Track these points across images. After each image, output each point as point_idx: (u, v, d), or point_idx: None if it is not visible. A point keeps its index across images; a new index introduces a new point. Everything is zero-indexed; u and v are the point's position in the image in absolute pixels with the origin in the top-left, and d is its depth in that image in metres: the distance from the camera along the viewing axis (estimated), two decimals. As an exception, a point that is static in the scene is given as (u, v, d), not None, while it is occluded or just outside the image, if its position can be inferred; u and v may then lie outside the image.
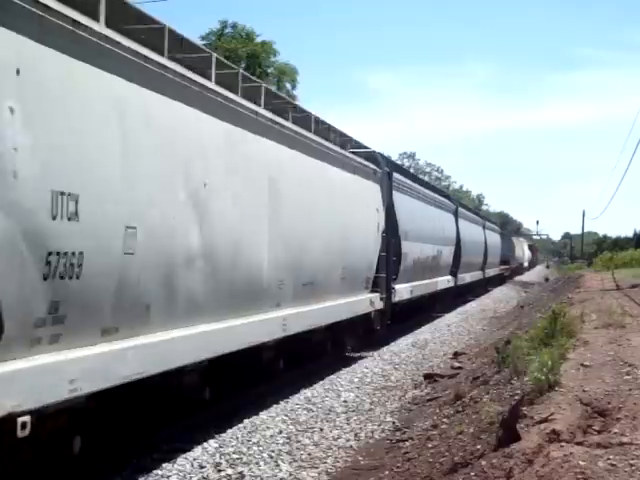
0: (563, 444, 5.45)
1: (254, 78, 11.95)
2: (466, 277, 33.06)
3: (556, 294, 27.17)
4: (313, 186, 12.24)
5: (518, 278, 62.80)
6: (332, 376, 13.44)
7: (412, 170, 79.74)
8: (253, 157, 9.85)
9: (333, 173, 13.61)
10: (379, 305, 16.63)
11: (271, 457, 8.29)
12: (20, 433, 5.52)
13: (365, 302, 15.65)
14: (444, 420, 8.70)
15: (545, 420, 6.11)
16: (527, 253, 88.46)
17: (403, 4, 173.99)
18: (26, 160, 5.57)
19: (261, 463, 8.06)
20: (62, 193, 5.89)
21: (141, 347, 7.07)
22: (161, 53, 7.78)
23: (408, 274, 20.30)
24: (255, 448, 8.56)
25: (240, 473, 7.70)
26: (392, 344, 18.23)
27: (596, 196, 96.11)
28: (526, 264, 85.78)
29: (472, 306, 31.61)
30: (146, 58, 7.23)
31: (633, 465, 4.86)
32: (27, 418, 5.56)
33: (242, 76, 10.24)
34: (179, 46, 8.75)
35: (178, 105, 7.91)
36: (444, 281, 27.13)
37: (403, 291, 19.49)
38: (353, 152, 15.67)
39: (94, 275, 6.35)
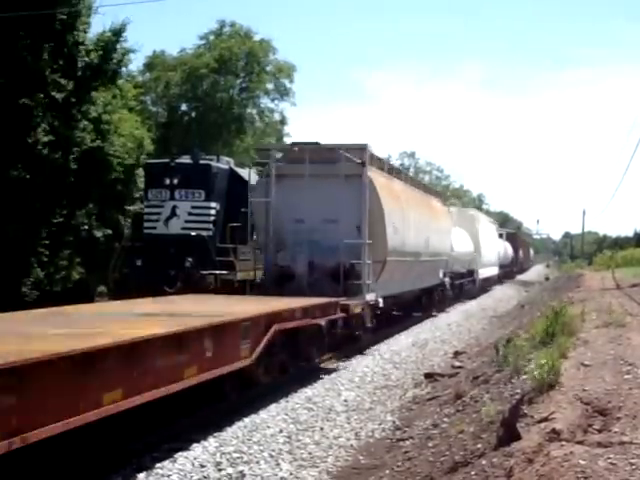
0: (563, 443, 5.46)
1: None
2: None
3: (556, 293, 27.18)
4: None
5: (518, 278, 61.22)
6: (332, 375, 13.45)
7: (412, 170, 78.84)
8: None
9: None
10: None
11: (272, 456, 8.30)
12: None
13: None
14: (444, 419, 8.71)
15: (545, 419, 6.12)
16: (497, 249, 45.36)
17: (399, 2, 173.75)
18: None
19: (262, 462, 8.07)
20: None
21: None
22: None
23: None
24: (256, 447, 8.56)
25: (241, 472, 7.70)
26: (392, 343, 18.24)
27: (596, 196, 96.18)
28: (493, 272, 42.45)
29: (472, 305, 31.62)
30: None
31: (633, 464, 4.86)
32: None
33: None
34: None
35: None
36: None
37: None
38: None
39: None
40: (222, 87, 40.70)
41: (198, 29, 57.81)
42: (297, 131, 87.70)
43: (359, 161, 16.00)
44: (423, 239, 21.09)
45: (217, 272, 17.43)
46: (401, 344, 18.16)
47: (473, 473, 5.82)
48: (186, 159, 19.50)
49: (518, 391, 7.68)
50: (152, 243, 18.18)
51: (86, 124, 20.73)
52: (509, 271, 56.15)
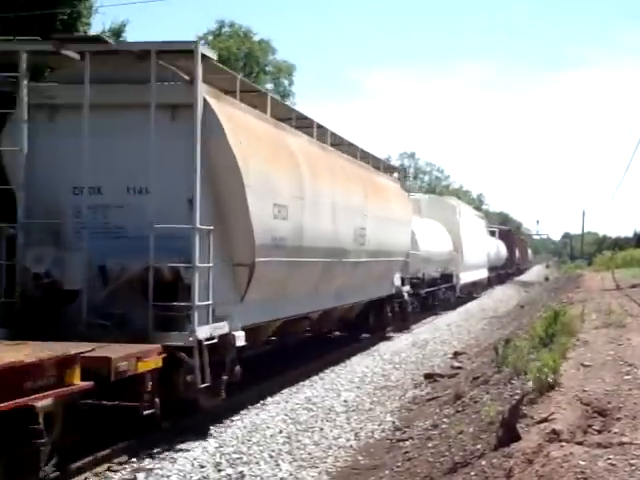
0: (563, 444, 5.45)
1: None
2: None
3: (556, 294, 27.19)
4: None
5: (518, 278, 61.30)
6: (332, 375, 13.46)
7: (412, 170, 78.92)
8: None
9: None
10: None
11: (271, 457, 8.30)
12: None
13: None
14: (444, 420, 8.70)
15: (545, 420, 6.11)
16: (487, 248, 38.51)
17: (399, 1, 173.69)
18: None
19: (261, 463, 8.07)
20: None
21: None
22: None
23: None
24: (255, 448, 8.56)
25: (240, 473, 7.70)
26: (392, 344, 18.24)
27: (596, 196, 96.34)
28: (481, 276, 36.21)
29: (472, 305, 31.65)
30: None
31: (633, 465, 4.86)
32: None
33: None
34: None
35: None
36: None
37: None
38: None
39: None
40: (222, 87, 40.74)
41: (197, 29, 57.92)
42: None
43: (186, 77, 8.85)
44: (351, 229, 13.94)
45: None
46: (401, 345, 18.17)
47: (473, 474, 5.82)
48: None
49: (518, 392, 7.67)
50: None
51: (86, 124, 20.74)
52: (503, 274, 49.23)
